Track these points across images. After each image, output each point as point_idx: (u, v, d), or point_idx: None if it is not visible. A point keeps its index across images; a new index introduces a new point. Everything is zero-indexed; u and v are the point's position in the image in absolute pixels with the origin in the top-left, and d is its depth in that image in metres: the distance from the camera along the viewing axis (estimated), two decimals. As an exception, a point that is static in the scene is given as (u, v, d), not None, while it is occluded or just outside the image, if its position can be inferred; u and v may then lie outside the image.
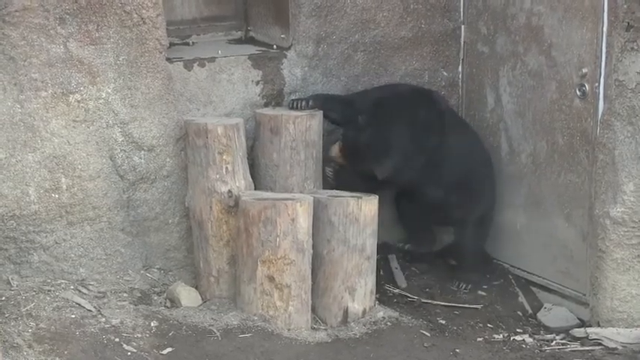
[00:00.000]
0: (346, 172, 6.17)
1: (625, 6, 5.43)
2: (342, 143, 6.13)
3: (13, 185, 5.45)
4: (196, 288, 5.75)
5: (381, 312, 5.76)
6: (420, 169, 6.10)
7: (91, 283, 5.63)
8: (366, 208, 5.64)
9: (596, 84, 5.73)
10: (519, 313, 6.19)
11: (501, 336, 5.83)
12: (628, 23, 5.43)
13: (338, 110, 6.12)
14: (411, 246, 6.66)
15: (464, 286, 6.40)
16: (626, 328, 5.69)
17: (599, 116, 5.69)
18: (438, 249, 6.83)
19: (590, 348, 5.64)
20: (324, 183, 6.08)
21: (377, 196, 5.73)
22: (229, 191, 5.57)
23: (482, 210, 6.43)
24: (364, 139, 6.02)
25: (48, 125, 5.47)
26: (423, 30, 6.53)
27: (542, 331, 5.96)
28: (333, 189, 6.06)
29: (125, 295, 5.61)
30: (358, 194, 5.72)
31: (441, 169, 6.16)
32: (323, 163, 6.07)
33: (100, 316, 5.32)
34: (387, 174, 5.99)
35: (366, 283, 5.70)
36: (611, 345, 5.61)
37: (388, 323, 5.68)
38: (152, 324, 5.32)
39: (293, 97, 6.14)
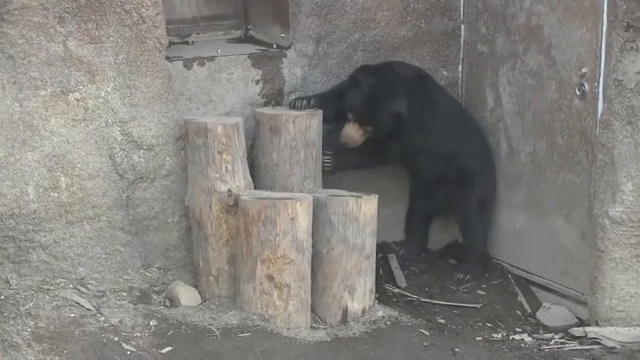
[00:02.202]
0: (345, 155, 6.16)
1: (624, 6, 5.43)
2: (352, 113, 6.09)
3: (12, 184, 5.45)
4: (196, 287, 5.75)
5: (381, 311, 5.76)
6: (422, 125, 6.18)
7: (91, 282, 5.62)
8: (366, 207, 5.63)
9: (596, 84, 5.72)
10: (518, 312, 6.18)
11: (500, 335, 5.83)
12: (627, 23, 5.43)
13: (337, 105, 6.12)
14: (405, 252, 6.68)
15: (461, 276, 6.41)
16: (625, 327, 5.70)
17: (599, 116, 5.69)
18: (437, 249, 6.84)
19: (588, 347, 5.64)
20: (323, 182, 6.06)
21: (376, 196, 5.72)
22: (229, 190, 5.56)
23: (483, 186, 6.46)
24: (369, 88, 6.05)
25: (47, 124, 5.47)
26: (422, 29, 6.52)
27: (541, 330, 5.96)
28: (333, 175, 6.11)
29: (124, 294, 5.61)
30: (357, 193, 5.71)
31: (439, 132, 6.27)
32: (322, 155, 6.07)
33: (99, 315, 5.31)
34: (406, 107, 6.03)
35: (366, 283, 5.69)
36: (610, 344, 5.62)
37: (387, 322, 5.67)
38: (151, 323, 5.32)
39: (294, 97, 6.12)
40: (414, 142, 6.19)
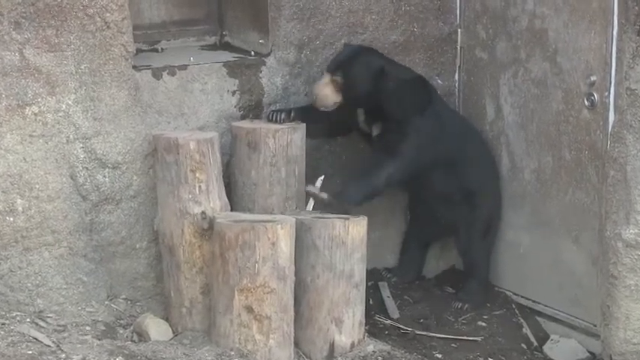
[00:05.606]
0: (348, 185, 6.15)
1: (636, 8, 5.44)
2: (328, 66, 6.11)
3: (-38, 207, 5.45)
4: (167, 320, 5.75)
5: (371, 345, 5.77)
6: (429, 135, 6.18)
7: (50, 315, 5.61)
8: (354, 230, 5.64)
9: (606, 93, 5.76)
10: (523, 345, 6.21)
11: (504, 371, 5.86)
12: (640, 27, 5.47)
13: (321, 118, 6.13)
14: (397, 279, 6.73)
15: (460, 306, 6.44)
16: (641, 361, 5.71)
17: (610, 128, 5.71)
18: (433, 276, 6.86)
19: (601, 384, 5.67)
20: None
21: (365, 217, 5.73)
22: (203, 213, 5.57)
23: (490, 208, 6.51)
24: (359, 47, 6.15)
25: (2, 141, 5.47)
26: (415, 34, 6.56)
27: (548, 366, 5.99)
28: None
29: (88, 328, 5.60)
30: (345, 215, 5.72)
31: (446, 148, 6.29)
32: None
33: (59, 351, 5.30)
34: (389, 66, 6.08)
35: (355, 314, 5.70)
36: (625, 380, 5.64)
37: (379, 358, 5.68)
38: (118, 360, 5.32)
39: (273, 109, 6.14)
40: (421, 154, 6.19)
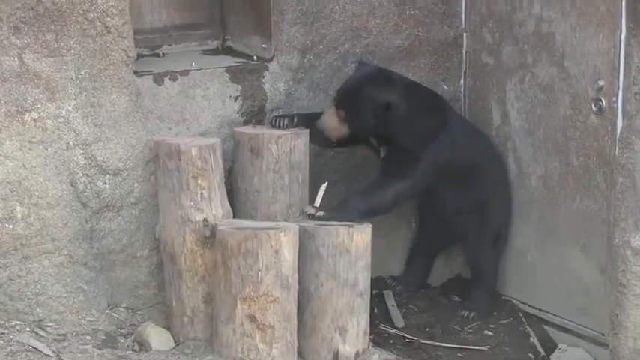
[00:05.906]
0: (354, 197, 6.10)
1: (645, 11, 5.46)
2: (335, 96, 6.07)
3: (-39, 215, 5.45)
4: (168, 329, 5.74)
5: (376, 355, 5.76)
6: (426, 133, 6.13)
7: (50, 324, 5.61)
8: (358, 237, 5.63)
9: (614, 98, 5.75)
10: (531, 355, 6.20)
11: (511, 381, 5.85)
12: (648, 30, 5.46)
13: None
14: (402, 287, 6.72)
15: (466, 314, 6.43)
16: (651, 371, 5.70)
17: (618, 134, 5.70)
18: (439, 284, 6.85)
19: (610, 394, 5.65)
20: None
21: (370, 225, 5.72)
22: (205, 220, 5.56)
23: (500, 218, 6.50)
24: (366, 76, 6.07)
25: (1, 147, 5.47)
26: (420, 38, 6.55)
27: (556, 375, 5.98)
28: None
29: (88, 337, 5.60)
30: (349, 222, 5.71)
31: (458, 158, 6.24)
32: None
33: (59, 361, 5.31)
34: (405, 108, 5.98)
35: (359, 323, 5.69)
36: (634, 390, 5.62)
37: (384, 367, 5.68)
38: (118, 370, 5.32)
39: (275, 114, 6.13)
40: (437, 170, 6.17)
